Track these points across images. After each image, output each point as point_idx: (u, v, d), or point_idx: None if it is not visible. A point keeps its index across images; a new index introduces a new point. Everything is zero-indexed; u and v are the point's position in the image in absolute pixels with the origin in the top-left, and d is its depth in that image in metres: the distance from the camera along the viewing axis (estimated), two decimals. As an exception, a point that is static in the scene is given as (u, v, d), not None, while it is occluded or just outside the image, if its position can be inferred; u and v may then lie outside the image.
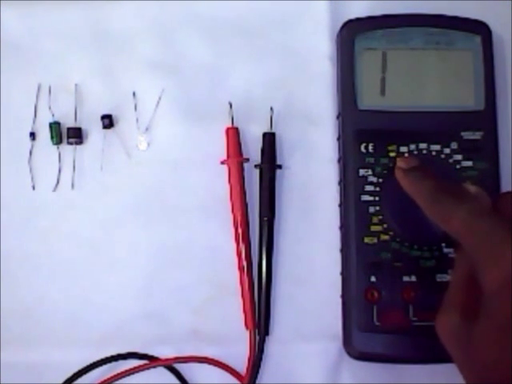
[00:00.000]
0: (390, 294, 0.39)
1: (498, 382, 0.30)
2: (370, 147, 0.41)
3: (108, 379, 0.40)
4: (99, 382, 0.40)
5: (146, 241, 0.42)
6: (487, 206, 0.35)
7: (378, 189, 0.40)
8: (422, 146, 0.41)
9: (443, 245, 0.39)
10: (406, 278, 0.39)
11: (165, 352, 0.41)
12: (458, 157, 0.41)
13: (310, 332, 0.41)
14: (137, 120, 0.43)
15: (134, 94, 0.44)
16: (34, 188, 0.43)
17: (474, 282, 0.33)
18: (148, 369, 0.40)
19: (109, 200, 0.43)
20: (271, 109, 0.43)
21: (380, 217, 0.40)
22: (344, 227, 0.41)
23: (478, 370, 0.31)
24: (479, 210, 0.33)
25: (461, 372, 0.32)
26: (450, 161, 0.40)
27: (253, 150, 0.43)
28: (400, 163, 0.39)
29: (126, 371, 0.40)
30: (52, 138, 0.43)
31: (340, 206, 0.42)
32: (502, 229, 0.31)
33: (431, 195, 0.35)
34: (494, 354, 0.30)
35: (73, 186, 0.43)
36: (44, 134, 0.43)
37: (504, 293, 0.30)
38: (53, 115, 0.43)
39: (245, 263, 0.41)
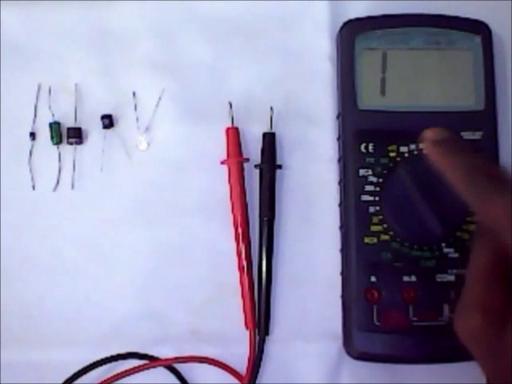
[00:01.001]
0: (389, 293, 0.39)
1: None
2: (370, 147, 0.41)
3: (108, 379, 0.40)
4: (99, 382, 0.40)
5: (145, 241, 0.42)
6: None
7: (378, 189, 0.40)
8: (422, 146, 0.41)
9: (443, 245, 0.39)
10: (406, 278, 0.39)
11: (165, 352, 0.41)
12: (458, 157, 0.40)
13: (310, 332, 0.41)
14: (137, 120, 0.43)
15: (134, 94, 0.44)
16: (34, 188, 0.43)
17: (498, 277, 0.31)
18: (148, 369, 0.40)
19: (109, 200, 0.43)
20: (271, 109, 0.43)
21: (380, 217, 0.40)
22: (344, 227, 0.41)
23: (509, 376, 0.29)
24: None
25: (486, 375, 0.31)
26: (450, 161, 0.40)
27: (253, 150, 0.43)
28: (428, 134, 0.34)
29: (126, 371, 0.40)
30: (52, 138, 0.43)
31: (340, 205, 0.42)
32: None
33: (469, 174, 0.31)
34: None
35: (73, 186, 0.43)
36: (44, 134, 0.43)
37: None
38: (53, 115, 0.43)
39: (245, 263, 0.41)
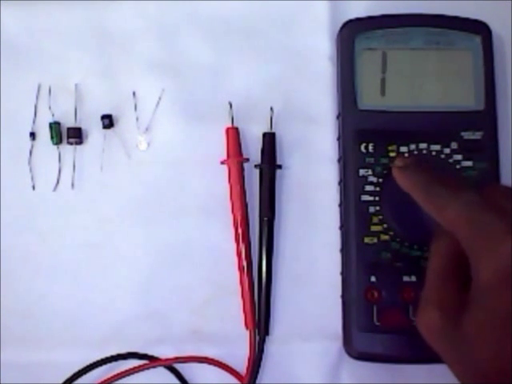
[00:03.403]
0: (390, 293, 0.39)
1: (497, 379, 0.30)
2: (370, 147, 0.41)
3: (108, 379, 0.40)
4: (99, 382, 0.40)
5: (145, 240, 0.42)
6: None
7: (378, 189, 0.40)
8: (422, 146, 0.41)
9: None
10: (406, 278, 0.39)
11: (165, 352, 0.41)
12: (458, 157, 0.41)
13: (310, 332, 0.41)
14: (137, 120, 0.43)
15: (134, 93, 0.44)
16: (34, 188, 0.43)
17: (454, 274, 0.33)
18: (148, 369, 0.40)
19: (109, 200, 0.43)
20: (271, 109, 0.43)
21: (380, 217, 0.40)
22: (344, 227, 0.41)
23: (473, 367, 0.31)
24: (476, 202, 0.33)
25: (453, 371, 0.32)
26: (450, 161, 0.40)
27: (253, 150, 0.43)
28: (397, 162, 0.38)
29: (126, 371, 0.40)
30: (52, 138, 0.43)
31: (340, 205, 0.42)
32: (501, 220, 0.31)
33: (426, 187, 0.35)
34: (493, 349, 0.30)
35: (73, 185, 0.43)
36: (44, 134, 0.43)
37: (503, 285, 0.30)
38: (53, 115, 0.43)
39: (245, 263, 0.41)
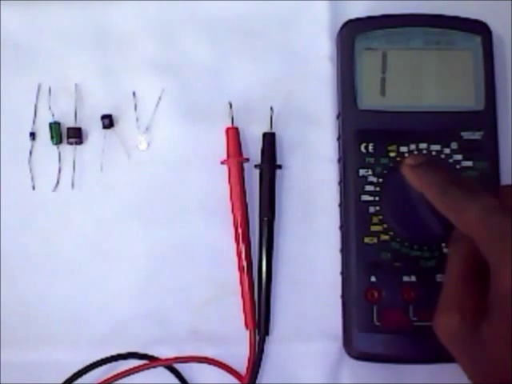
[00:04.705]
0: (390, 294, 0.39)
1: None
2: (370, 147, 0.41)
3: (108, 379, 0.40)
4: (99, 382, 0.40)
5: (145, 241, 0.42)
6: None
7: (378, 189, 0.40)
8: (422, 146, 0.41)
9: (443, 245, 0.39)
10: (406, 278, 0.39)
11: (165, 352, 0.41)
12: (458, 157, 0.41)
13: (310, 332, 0.41)
14: (137, 120, 0.43)
15: (134, 93, 0.44)
16: (33, 188, 0.43)
17: (472, 279, 0.33)
18: (148, 369, 0.40)
19: (109, 200, 0.43)
20: (271, 109, 0.43)
21: (380, 217, 0.40)
22: (344, 227, 0.41)
23: (487, 371, 0.31)
24: (494, 207, 0.32)
25: (466, 373, 0.32)
26: (450, 161, 0.40)
27: (253, 150, 0.43)
28: (408, 161, 0.38)
29: (126, 371, 0.40)
30: (52, 138, 0.43)
31: (340, 205, 0.42)
32: None
33: (442, 188, 0.35)
34: (509, 356, 0.30)
35: (73, 185, 0.43)
36: (44, 134, 0.43)
37: None
38: (53, 115, 0.43)
39: (245, 263, 0.41)
